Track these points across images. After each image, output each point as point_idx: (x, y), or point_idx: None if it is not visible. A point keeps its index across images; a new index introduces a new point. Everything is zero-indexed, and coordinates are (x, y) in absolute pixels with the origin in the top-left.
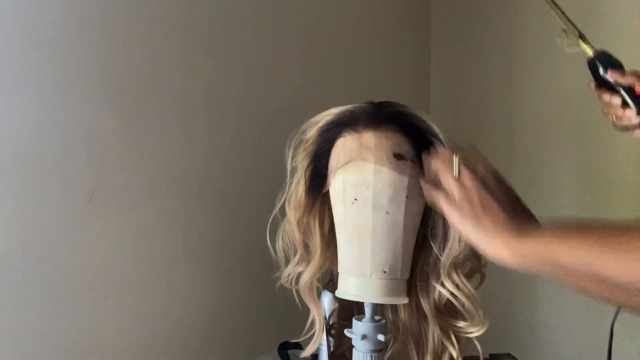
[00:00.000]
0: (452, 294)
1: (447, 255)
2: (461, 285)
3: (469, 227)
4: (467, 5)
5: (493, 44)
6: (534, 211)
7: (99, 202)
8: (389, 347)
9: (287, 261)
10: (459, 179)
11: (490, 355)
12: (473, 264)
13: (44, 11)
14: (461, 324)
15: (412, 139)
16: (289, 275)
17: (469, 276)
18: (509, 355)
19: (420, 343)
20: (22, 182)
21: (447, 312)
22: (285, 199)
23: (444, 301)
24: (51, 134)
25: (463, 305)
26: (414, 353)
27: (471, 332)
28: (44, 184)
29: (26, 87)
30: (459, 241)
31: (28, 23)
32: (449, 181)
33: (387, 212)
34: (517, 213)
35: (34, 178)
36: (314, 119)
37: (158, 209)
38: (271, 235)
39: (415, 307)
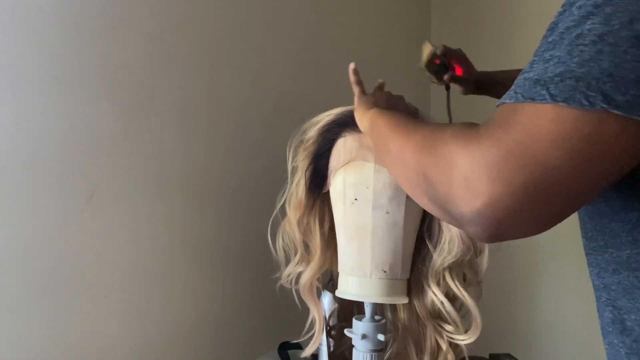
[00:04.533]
0: (440, 301)
1: (438, 254)
2: (454, 289)
3: (356, 104)
4: (467, 3)
5: (493, 37)
6: None
7: (98, 202)
8: (389, 347)
9: (288, 261)
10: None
11: (490, 355)
12: (470, 275)
13: (44, 10)
14: (449, 328)
15: None
16: (289, 275)
17: (465, 287)
18: (509, 355)
19: (419, 343)
20: (22, 182)
21: (438, 315)
22: (285, 199)
23: (436, 304)
24: (51, 134)
25: (449, 314)
26: (414, 353)
27: (458, 339)
28: (44, 183)
29: (26, 87)
30: (449, 242)
31: (27, 22)
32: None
33: (387, 212)
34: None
35: (34, 178)
36: (314, 119)
37: (158, 208)
38: (272, 235)
39: (414, 307)
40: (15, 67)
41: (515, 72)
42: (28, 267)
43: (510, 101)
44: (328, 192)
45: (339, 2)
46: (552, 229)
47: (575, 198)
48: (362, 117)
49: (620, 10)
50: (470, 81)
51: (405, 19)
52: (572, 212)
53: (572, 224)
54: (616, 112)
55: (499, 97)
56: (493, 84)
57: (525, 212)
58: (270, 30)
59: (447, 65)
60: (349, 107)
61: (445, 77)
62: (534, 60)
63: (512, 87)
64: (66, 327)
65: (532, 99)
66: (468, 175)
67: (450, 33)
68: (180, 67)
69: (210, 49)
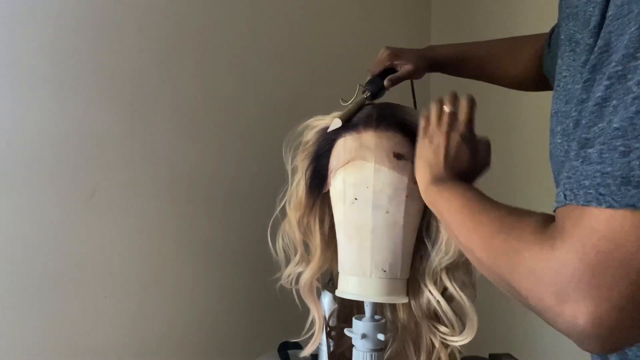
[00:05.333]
0: (436, 300)
1: (436, 254)
2: (450, 289)
3: (418, 160)
4: (467, 3)
5: (493, 36)
6: (535, 202)
7: (99, 202)
8: (388, 347)
9: (288, 261)
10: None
11: (490, 355)
12: (464, 277)
13: (43, 10)
14: (443, 329)
15: (412, 139)
16: (289, 275)
17: (460, 289)
18: (509, 355)
19: (417, 342)
20: (23, 181)
21: (432, 315)
22: (286, 199)
23: (432, 304)
24: (52, 133)
25: (445, 314)
26: (412, 352)
27: (452, 340)
28: (45, 183)
29: (26, 87)
30: (446, 243)
31: (27, 22)
32: (433, 115)
33: (387, 212)
34: (457, 166)
35: (35, 177)
36: (311, 124)
37: (158, 208)
38: (272, 236)
39: (412, 306)
40: (15, 67)
41: (474, 46)
42: (27, 267)
43: (592, 205)
44: (328, 192)
45: (339, 2)
46: None
47: None
48: (420, 185)
49: None
50: (416, 68)
51: (405, 19)
52: None
53: None
54: None
55: (461, 75)
56: (457, 61)
57: (633, 321)
58: (270, 30)
59: (380, 79)
60: (344, 112)
61: (386, 82)
62: (598, 142)
63: (575, 178)
64: (66, 327)
65: (634, 206)
66: (559, 291)
67: (450, 33)
68: (180, 67)
69: (210, 49)
